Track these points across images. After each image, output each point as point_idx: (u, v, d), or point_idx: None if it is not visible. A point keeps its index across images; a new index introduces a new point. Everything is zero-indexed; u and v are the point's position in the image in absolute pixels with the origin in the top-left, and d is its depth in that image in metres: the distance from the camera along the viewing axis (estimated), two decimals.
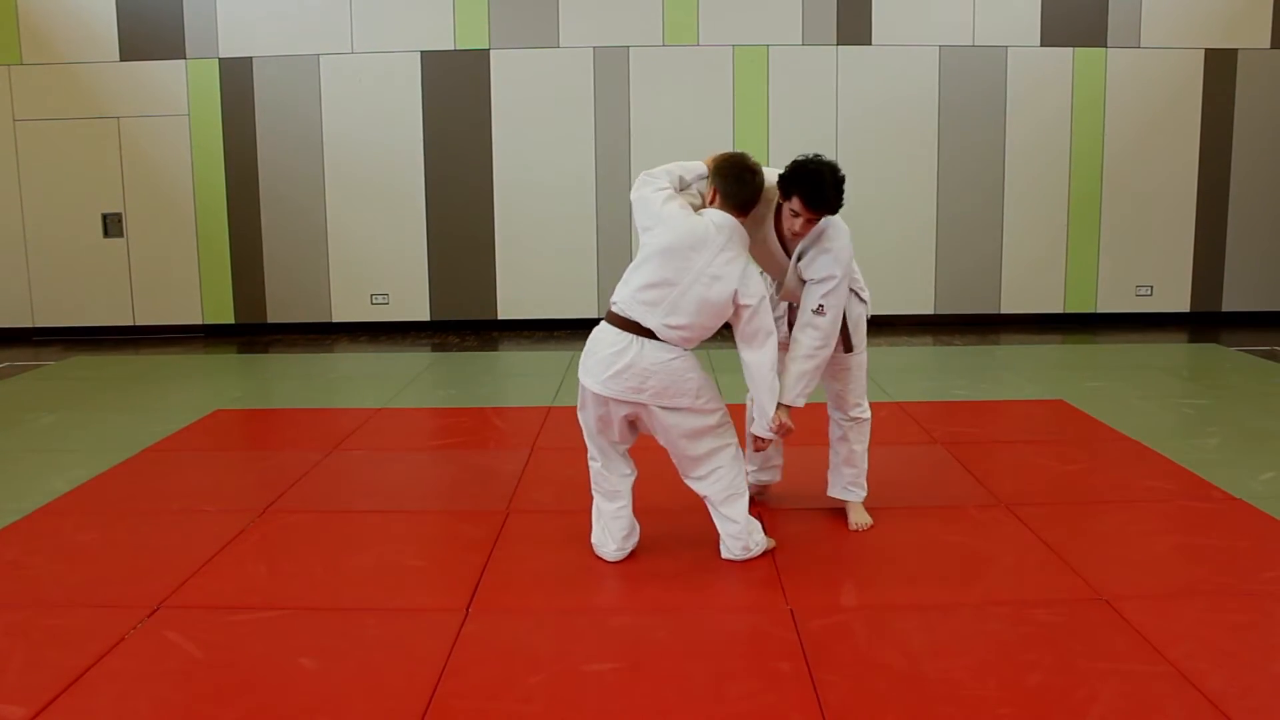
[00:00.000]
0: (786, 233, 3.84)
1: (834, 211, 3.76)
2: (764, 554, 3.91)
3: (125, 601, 3.59)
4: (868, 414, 4.26)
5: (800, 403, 3.85)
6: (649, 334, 3.60)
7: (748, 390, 3.86)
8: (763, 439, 3.86)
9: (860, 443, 4.26)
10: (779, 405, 3.80)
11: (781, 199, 3.76)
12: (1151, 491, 4.69)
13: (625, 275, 3.73)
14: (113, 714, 2.88)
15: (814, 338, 3.81)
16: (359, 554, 4.05)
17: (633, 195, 3.83)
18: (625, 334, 3.61)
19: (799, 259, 3.86)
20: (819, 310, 3.79)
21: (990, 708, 2.83)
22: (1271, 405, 6.30)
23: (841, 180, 3.72)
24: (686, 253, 3.59)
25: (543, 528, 4.29)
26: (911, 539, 4.10)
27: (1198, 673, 2.99)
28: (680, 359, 3.63)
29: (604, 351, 3.64)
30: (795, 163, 3.70)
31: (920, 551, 4.00)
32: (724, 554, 3.88)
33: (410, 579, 3.82)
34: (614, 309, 3.68)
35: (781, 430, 3.83)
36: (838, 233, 3.83)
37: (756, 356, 3.70)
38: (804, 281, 3.86)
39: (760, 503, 4.43)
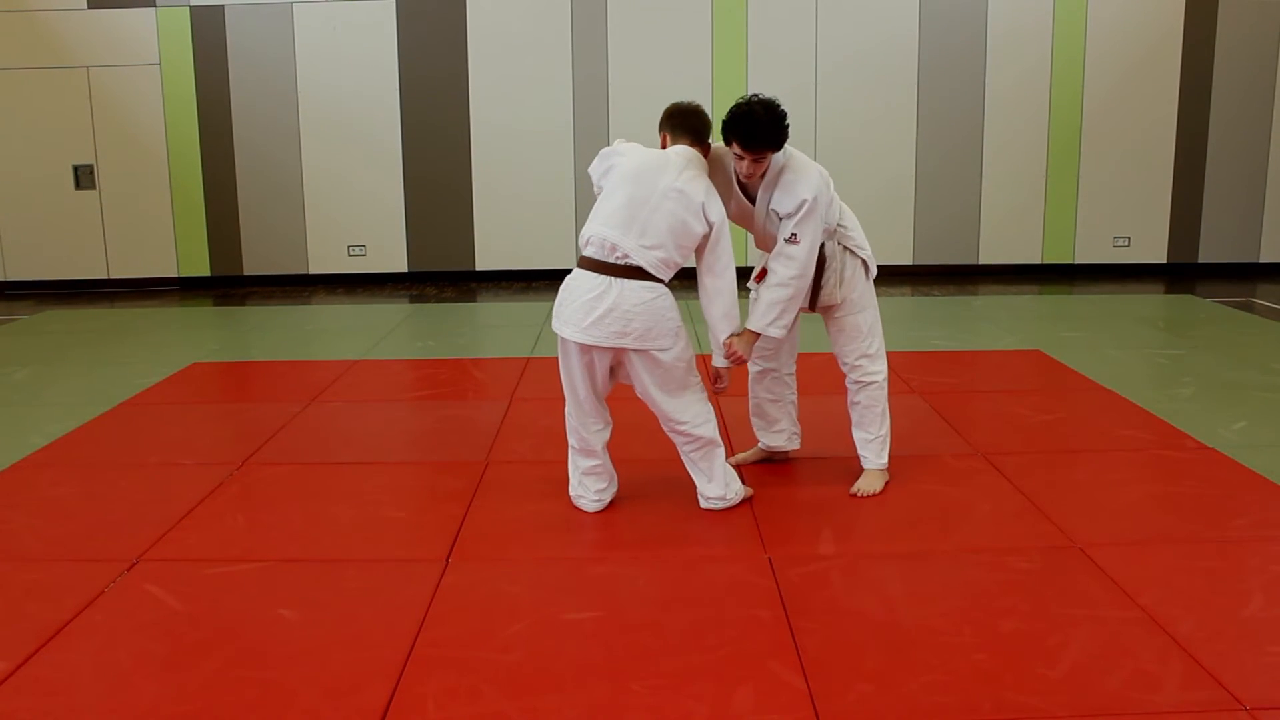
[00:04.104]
0: (742, 178, 3.77)
1: (775, 147, 3.65)
2: (742, 502, 3.94)
3: (104, 555, 3.58)
4: (872, 377, 4.02)
5: (774, 331, 3.77)
6: (625, 273, 3.54)
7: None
8: (719, 369, 3.81)
9: (870, 407, 4.06)
10: (745, 330, 3.78)
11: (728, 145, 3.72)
12: (1126, 441, 4.73)
13: (591, 214, 3.68)
14: (93, 667, 2.88)
15: (788, 266, 3.71)
16: (338, 506, 4.05)
17: (590, 169, 3.85)
18: (602, 276, 3.55)
19: (770, 201, 3.77)
20: (792, 239, 3.69)
21: (965, 653, 2.87)
22: (1245, 356, 6.35)
23: (779, 115, 3.61)
24: (653, 172, 3.60)
25: (522, 478, 4.30)
26: (889, 488, 4.12)
27: (1168, 618, 3.04)
28: (661, 298, 3.58)
29: (582, 297, 3.56)
30: (732, 106, 3.64)
31: (898, 500, 4.03)
32: (702, 504, 3.90)
33: (390, 530, 3.82)
34: (586, 253, 3.62)
35: (731, 355, 3.74)
36: (802, 165, 3.75)
37: (716, 282, 3.69)
38: (780, 219, 3.75)
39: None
